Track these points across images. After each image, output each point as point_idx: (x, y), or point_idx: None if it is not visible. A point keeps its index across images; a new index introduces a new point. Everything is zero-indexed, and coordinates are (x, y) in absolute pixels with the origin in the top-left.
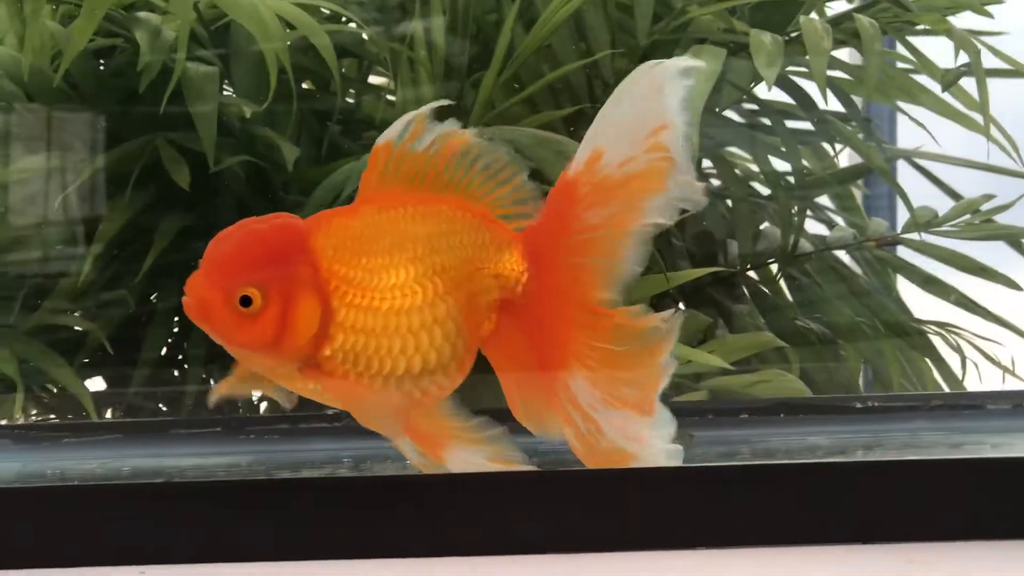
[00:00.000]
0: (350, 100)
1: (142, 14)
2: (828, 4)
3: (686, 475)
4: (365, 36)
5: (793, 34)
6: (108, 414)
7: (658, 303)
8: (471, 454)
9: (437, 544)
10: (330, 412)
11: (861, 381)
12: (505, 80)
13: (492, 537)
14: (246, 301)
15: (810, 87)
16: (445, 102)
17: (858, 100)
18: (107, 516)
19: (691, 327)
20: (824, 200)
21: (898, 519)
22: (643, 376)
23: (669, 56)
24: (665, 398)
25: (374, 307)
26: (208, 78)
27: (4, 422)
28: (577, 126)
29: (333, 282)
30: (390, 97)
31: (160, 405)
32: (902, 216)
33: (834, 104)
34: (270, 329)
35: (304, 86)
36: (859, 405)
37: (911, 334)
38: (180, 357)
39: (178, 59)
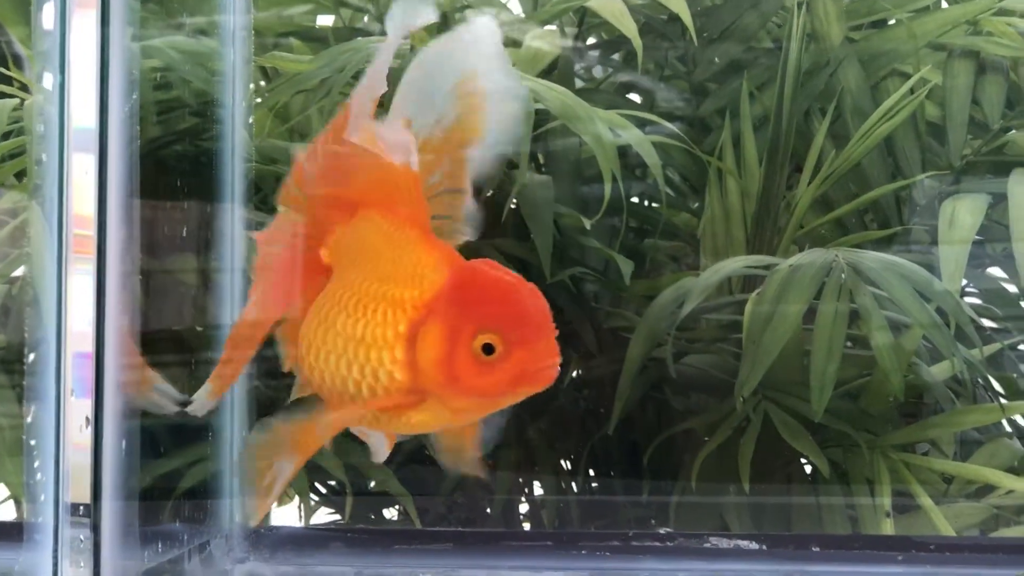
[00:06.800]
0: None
1: None
2: None
3: None
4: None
5: None
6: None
7: None
8: None
9: None
10: (662, 531)
11: None
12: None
13: None
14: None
15: None
16: None
17: None
18: None
19: (1004, 455)
20: None
21: None
22: None
23: (984, 179)
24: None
25: None
26: (544, 186)
27: (337, 524)
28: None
29: None
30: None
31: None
32: None
33: None
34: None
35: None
36: None
37: None
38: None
39: (520, 168)
